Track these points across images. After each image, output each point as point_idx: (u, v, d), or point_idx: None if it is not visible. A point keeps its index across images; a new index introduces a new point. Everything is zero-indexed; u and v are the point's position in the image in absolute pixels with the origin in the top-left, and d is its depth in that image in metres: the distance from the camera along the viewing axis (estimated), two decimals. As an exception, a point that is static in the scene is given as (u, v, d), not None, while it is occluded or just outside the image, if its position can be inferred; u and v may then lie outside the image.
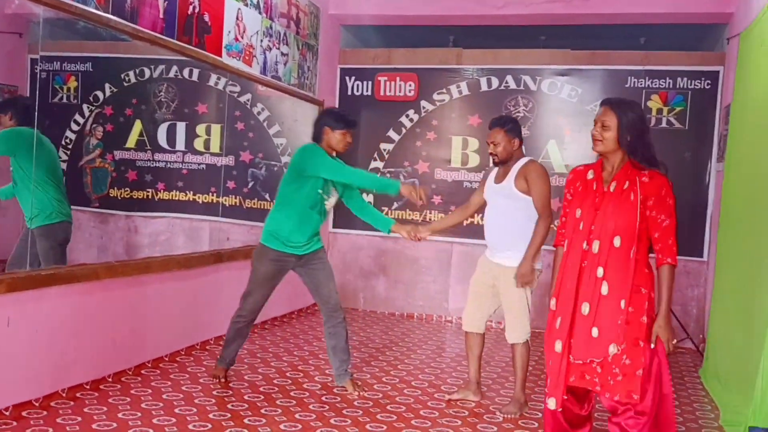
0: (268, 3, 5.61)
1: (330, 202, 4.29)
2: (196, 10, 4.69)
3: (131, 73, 5.62)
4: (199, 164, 5.94)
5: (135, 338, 4.44)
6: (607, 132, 3.07)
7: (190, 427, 3.55)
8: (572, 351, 3.06)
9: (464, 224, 6.88)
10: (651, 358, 2.98)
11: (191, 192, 5.95)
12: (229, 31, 5.11)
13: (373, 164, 7.17)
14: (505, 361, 5.36)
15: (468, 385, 4.35)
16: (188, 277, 4.96)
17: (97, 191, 5.48)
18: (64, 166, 5.14)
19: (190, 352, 5.02)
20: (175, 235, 5.88)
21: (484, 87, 6.91)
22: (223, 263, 5.31)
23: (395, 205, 7.12)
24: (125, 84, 5.64)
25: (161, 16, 4.35)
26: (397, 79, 7.14)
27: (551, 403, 3.13)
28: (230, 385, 4.33)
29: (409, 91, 7.12)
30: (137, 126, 5.70)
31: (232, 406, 3.94)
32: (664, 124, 6.41)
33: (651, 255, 3.05)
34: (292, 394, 4.24)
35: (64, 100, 5.49)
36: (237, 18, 5.19)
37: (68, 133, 5.39)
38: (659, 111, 6.45)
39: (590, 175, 3.14)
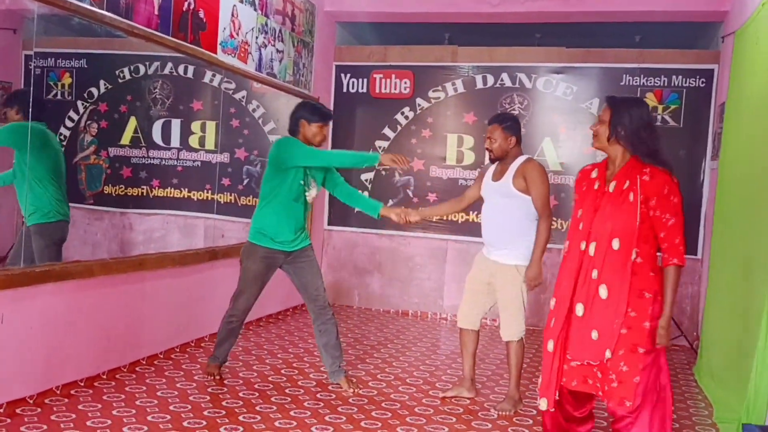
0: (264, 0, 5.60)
1: (311, 194, 4.25)
2: (191, 6, 4.68)
3: (126, 70, 5.60)
4: (194, 161, 5.93)
5: (130, 335, 4.44)
6: (601, 126, 3.04)
7: (185, 424, 3.55)
8: (569, 351, 3.04)
9: (459, 222, 6.92)
10: (650, 363, 2.93)
11: (186, 189, 5.94)
12: (225, 28, 5.10)
13: (369, 161, 7.16)
14: (499, 359, 5.37)
15: (462, 382, 4.36)
16: (183, 274, 4.95)
17: (92, 188, 5.47)
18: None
19: (185, 349, 5.01)
20: (169, 232, 5.87)
21: (479, 84, 6.91)
22: (218, 260, 5.30)
23: (390, 202, 7.12)
24: (120, 81, 5.62)
25: (156, 12, 4.33)
26: (393, 76, 7.14)
27: (542, 404, 3.12)
28: (225, 382, 4.33)
29: (405, 89, 7.11)
30: (132, 123, 5.68)
31: (227, 403, 3.94)
32: (658, 122, 6.41)
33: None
34: (287, 391, 4.24)
35: (59, 97, 5.46)
36: (232, 15, 5.18)
37: (62, 130, 5.37)
38: (654, 109, 6.45)
39: (594, 174, 3.10)
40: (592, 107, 6.62)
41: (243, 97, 6.17)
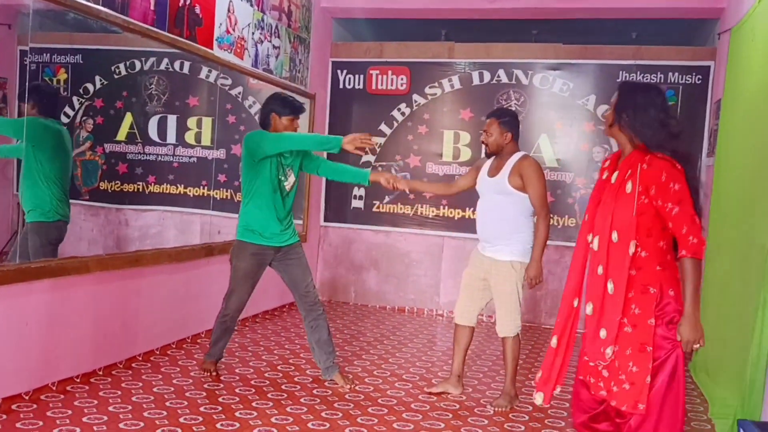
0: (260, -5, 5.59)
1: (289, 183, 4.21)
2: (187, 2, 4.67)
3: (122, 66, 5.57)
4: (190, 157, 5.92)
5: (126, 331, 4.43)
6: (610, 112, 2.94)
7: (181, 420, 3.54)
8: (586, 352, 2.93)
9: (456, 218, 6.92)
10: (663, 363, 2.74)
11: (182, 185, 5.92)
12: (221, 24, 5.09)
13: (365, 158, 7.16)
14: (495, 355, 5.38)
15: (449, 378, 4.36)
16: (179, 270, 4.95)
17: (88, 184, 5.45)
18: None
19: (181, 345, 5.01)
20: (165, 229, 5.85)
21: (476, 81, 6.91)
22: (214, 256, 5.30)
23: (387, 199, 7.12)
24: (116, 76, 5.60)
25: (152, 8, 4.32)
26: (389, 72, 7.13)
27: (538, 398, 3.06)
28: (221, 378, 4.33)
29: (401, 85, 7.11)
30: (128, 119, 5.66)
31: (223, 399, 3.93)
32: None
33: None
34: (283, 387, 4.25)
35: (54, 92, 5.44)
36: (228, 10, 5.17)
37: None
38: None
39: (607, 164, 2.99)
40: (589, 104, 6.62)
41: (239, 93, 6.15)
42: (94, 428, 3.35)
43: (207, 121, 5.93)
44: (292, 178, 4.23)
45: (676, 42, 6.71)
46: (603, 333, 2.82)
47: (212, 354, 4.40)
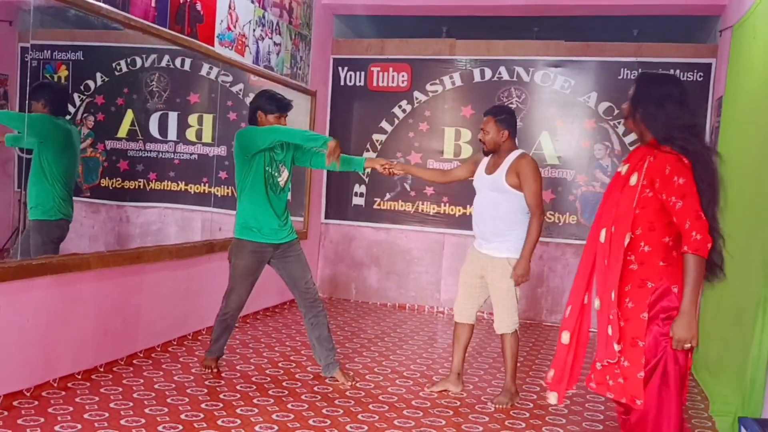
0: (261, -8, 5.59)
1: (282, 178, 4.20)
2: (189, -2, 4.66)
3: (123, 63, 5.58)
4: (191, 154, 5.92)
5: (127, 328, 4.44)
6: (627, 104, 2.86)
7: (182, 417, 3.55)
8: (597, 354, 2.84)
9: (456, 215, 6.92)
10: (658, 359, 2.69)
11: (183, 182, 5.93)
12: (222, 21, 5.08)
13: (366, 155, 7.15)
14: (496, 352, 5.38)
15: (449, 376, 4.36)
16: (180, 267, 4.95)
17: (89, 181, 5.46)
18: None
19: (182, 342, 5.01)
20: (166, 225, 5.86)
21: (477, 78, 6.91)
22: (215, 253, 5.30)
23: (387, 196, 7.12)
24: (116, 73, 5.60)
25: (153, 4, 4.32)
26: (390, 69, 7.13)
27: (552, 398, 2.95)
28: (222, 375, 4.33)
29: (402, 82, 7.10)
30: (129, 115, 5.67)
31: (225, 396, 3.94)
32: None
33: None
34: (284, 384, 4.25)
35: (55, 89, 5.44)
36: (229, 7, 5.17)
37: (59, 123, 5.35)
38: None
39: (624, 157, 2.99)
40: (590, 101, 6.61)
41: (240, 90, 6.15)
42: (95, 425, 3.36)
43: (208, 118, 5.93)
44: (285, 174, 4.22)
45: (678, 39, 6.71)
46: (609, 329, 2.77)
47: (213, 351, 4.41)
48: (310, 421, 3.62)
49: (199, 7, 4.79)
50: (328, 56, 7.23)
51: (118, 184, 5.63)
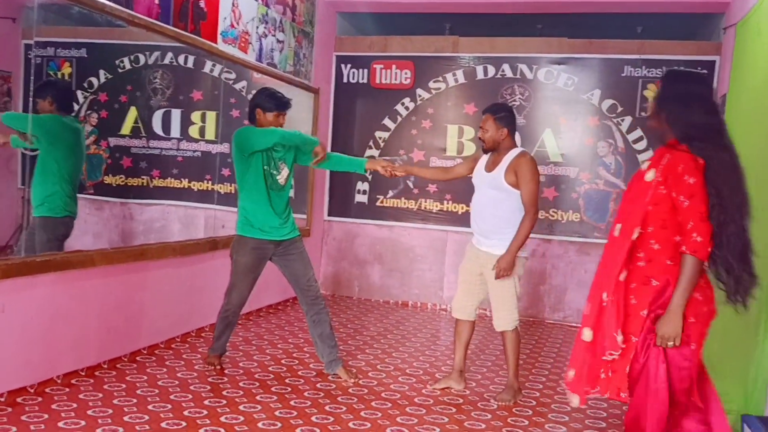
0: (264, -11, 5.59)
1: (282, 176, 4.20)
2: (192, -4, 4.66)
3: (126, 60, 5.57)
4: (194, 151, 5.92)
5: (130, 325, 4.45)
6: (652, 103, 2.82)
7: (186, 413, 3.56)
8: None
9: (459, 213, 6.92)
10: (649, 357, 2.70)
11: (186, 179, 5.93)
12: (225, 18, 5.08)
13: (369, 152, 7.16)
14: (499, 350, 5.38)
15: (451, 373, 4.36)
16: (183, 264, 4.96)
17: (92, 178, 5.46)
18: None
19: (186, 338, 5.02)
20: (170, 223, 5.86)
21: (480, 75, 6.90)
22: (219, 250, 5.30)
23: (390, 193, 7.13)
24: (120, 70, 5.60)
25: (156, 1, 4.32)
26: (393, 66, 7.13)
27: (573, 401, 2.89)
28: (225, 372, 4.34)
29: (405, 79, 7.10)
30: (132, 113, 5.67)
31: (228, 392, 3.95)
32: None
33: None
34: (287, 381, 4.26)
35: (59, 86, 5.44)
36: (233, 4, 5.16)
37: (62, 120, 5.35)
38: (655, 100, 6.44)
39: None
40: (593, 98, 6.61)
41: (243, 88, 6.15)
42: (99, 421, 3.37)
43: (211, 116, 5.93)
44: (285, 172, 4.22)
45: (681, 36, 6.69)
46: (609, 321, 2.76)
47: (216, 348, 4.42)
48: (313, 418, 3.63)
49: (202, 4, 4.79)
50: (331, 53, 7.23)
51: (122, 181, 5.63)
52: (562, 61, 6.70)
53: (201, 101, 5.98)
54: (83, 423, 3.34)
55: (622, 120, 6.49)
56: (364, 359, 4.89)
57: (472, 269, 4.21)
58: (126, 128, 5.64)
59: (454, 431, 3.64)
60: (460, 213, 6.94)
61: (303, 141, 4.19)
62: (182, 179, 5.92)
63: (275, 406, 3.77)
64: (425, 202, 7.05)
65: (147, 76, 5.74)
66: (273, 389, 4.07)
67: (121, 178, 5.63)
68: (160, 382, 4.03)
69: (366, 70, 7.20)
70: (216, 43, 5.00)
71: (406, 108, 7.11)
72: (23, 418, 3.34)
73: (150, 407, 3.61)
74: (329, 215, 7.35)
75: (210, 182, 5.89)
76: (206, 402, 3.76)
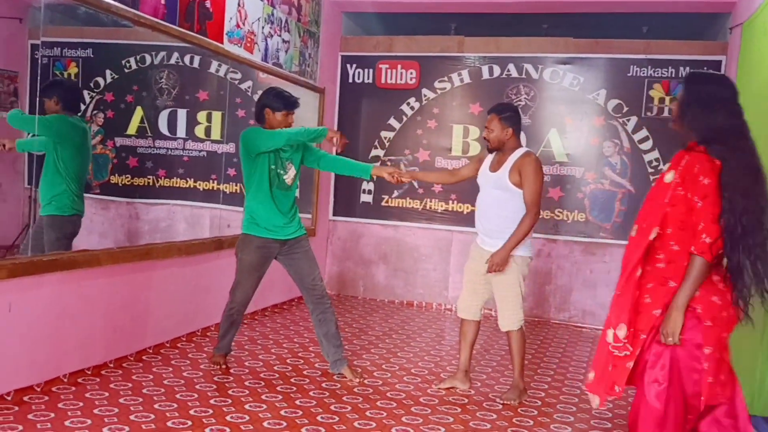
0: (270, -11, 5.59)
1: (289, 176, 4.21)
2: (198, -4, 4.67)
3: (132, 60, 5.59)
4: (200, 151, 5.93)
5: (136, 324, 4.46)
6: (676, 105, 2.81)
7: (191, 412, 3.56)
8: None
9: (464, 213, 6.92)
10: (655, 354, 2.71)
11: (192, 179, 5.94)
12: (231, 18, 5.09)
13: (374, 152, 7.17)
14: (504, 350, 5.38)
15: (456, 373, 4.36)
16: (189, 264, 4.97)
17: (98, 177, 5.48)
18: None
19: (191, 338, 5.03)
20: (176, 222, 5.88)
21: (485, 75, 6.90)
22: (224, 250, 5.31)
23: (395, 193, 7.12)
24: (126, 70, 5.62)
25: (163, 1, 4.33)
26: (399, 66, 7.13)
27: (594, 402, 2.87)
28: (231, 371, 4.35)
29: (411, 79, 7.10)
30: (138, 112, 5.68)
31: (233, 392, 3.95)
32: (665, 114, 6.40)
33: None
34: (292, 380, 4.26)
35: (65, 87, 5.46)
36: (238, 4, 5.17)
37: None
38: (661, 100, 6.44)
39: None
40: (599, 98, 6.59)
41: (249, 87, 6.16)
42: (105, 420, 3.38)
43: (217, 115, 5.94)
44: (292, 172, 4.23)
45: (687, 36, 6.67)
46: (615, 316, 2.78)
47: (221, 347, 4.42)
48: (318, 418, 3.63)
49: (208, 4, 4.80)
50: (337, 53, 7.23)
51: (128, 181, 5.65)
52: (567, 61, 6.69)
53: (207, 101, 5.99)
54: (89, 422, 3.35)
55: (628, 120, 6.48)
56: (369, 359, 4.90)
57: (477, 269, 4.20)
58: (132, 128, 5.66)
59: (459, 431, 3.64)
60: (465, 213, 6.93)
61: (309, 137, 4.17)
62: (188, 179, 5.94)
63: (280, 406, 3.77)
64: (430, 201, 7.05)
65: (153, 76, 5.76)
66: (278, 388, 4.08)
67: (127, 177, 5.65)
68: (165, 381, 4.04)
69: (371, 70, 7.20)
70: (222, 43, 5.00)
71: (412, 108, 7.10)
72: (30, 416, 3.36)
73: (156, 406, 3.62)
74: (334, 215, 7.36)
75: (216, 182, 5.91)
76: (212, 401, 3.76)
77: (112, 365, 4.22)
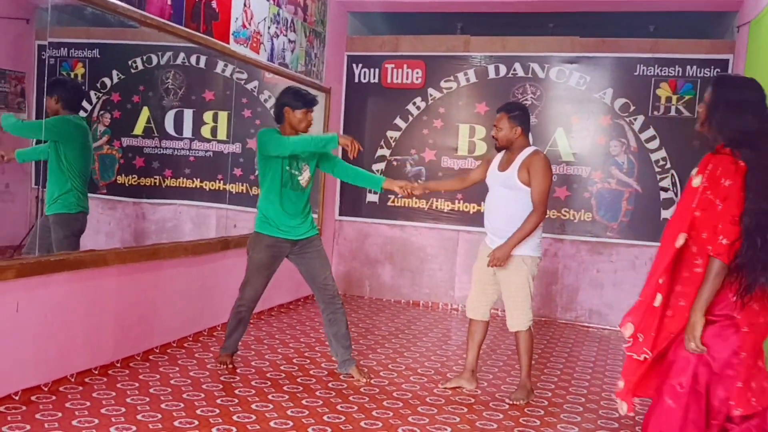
0: (276, -11, 5.60)
1: (303, 178, 4.23)
2: (204, -4, 4.68)
3: (138, 60, 5.61)
4: (206, 151, 5.94)
5: (143, 324, 4.47)
6: (703, 108, 2.79)
7: (198, 412, 3.57)
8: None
9: (471, 212, 6.91)
10: (677, 356, 2.70)
11: (198, 179, 5.96)
12: (237, 18, 5.10)
13: (380, 152, 7.16)
14: (511, 349, 5.37)
15: (463, 373, 4.35)
16: (196, 264, 4.98)
17: (105, 178, 5.49)
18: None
19: (198, 337, 5.04)
20: (182, 222, 5.89)
21: (491, 74, 6.89)
22: (230, 250, 5.32)
23: (399, 195, 7.10)
24: (132, 71, 5.63)
25: (169, 2, 4.34)
26: (405, 66, 7.12)
27: (621, 408, 2.89)
28: (237, 371, 4.35)
29: (417, 79, 7.10)
30: (145, 113, 5.70)
31: (240, 391, 3.96)
32: (672, 113, 6.38)
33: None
34: (298, 380, 4.26)
35: (72, 87, 5.47)
36: (245, 5, 5.18)
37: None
38: (668, 99, 6.42)
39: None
40: (606, 97, 6.58)
41: (255, 87, 6.17)
42: (112, 419, 3.38)
43: (223, 116, 5.95)
44: (307, 174, 4.24)
45: (694, 35, 6.65)
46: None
47: (228, 347, 4.43)
48: (325, 417, 3.63)
49: (214, 4, 4.81)
50: (343, 53, 7.23)
51: (134, 181, 5.67)
52: (574, 60, 6.67)
53: (213, 101, 6.00)
54: (96, 421, 3.36)
55: (635, 119, 6.46)
56: (376, 359, 4.89)
57: (486, 269, 4.19)
58: (138, 128, 5.67)
59: (465, 431, 3.63)
60: (471, 212, 6.93)
61: (318, 147, 4.14)
62: (194, 179, 5.95)
63: (287, 405, 3.77)
64: (436, 201, 7.04)
65: (159, 76, 5.77)
66: (285, 388, 4.08)
67: (133, 177, 5.67)
68: (172, 381, 4.05)
69: (377, 70, 7.20)
70: (228, 43, 5.01)
71: (418, 107, 7.10)
72: (37, 416, 3.37)
73: (163, 406, 3.62)
74: (340, 215, 7.36)
75: (222, 182, 5.92)
76: (218, 401, 3.77)
77: (119, 365, 4.23)
